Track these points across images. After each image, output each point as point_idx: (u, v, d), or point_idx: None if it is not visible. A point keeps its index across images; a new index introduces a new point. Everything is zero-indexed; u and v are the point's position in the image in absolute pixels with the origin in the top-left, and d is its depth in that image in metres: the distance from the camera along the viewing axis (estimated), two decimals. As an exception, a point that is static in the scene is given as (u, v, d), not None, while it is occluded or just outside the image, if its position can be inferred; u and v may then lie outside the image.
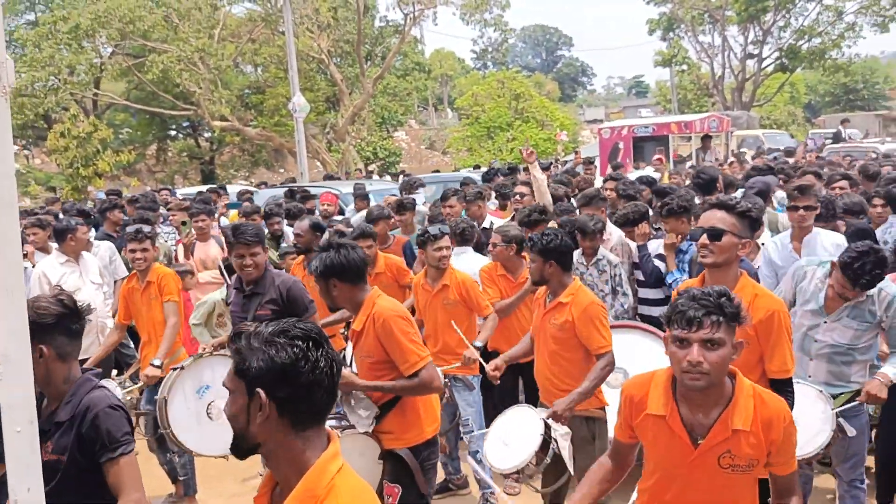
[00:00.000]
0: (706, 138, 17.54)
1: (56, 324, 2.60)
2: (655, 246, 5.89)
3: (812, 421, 3.72)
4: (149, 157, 36.06)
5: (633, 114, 46.55)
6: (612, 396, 3.97)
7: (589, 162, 15.53)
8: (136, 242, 5.37)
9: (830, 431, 3.75)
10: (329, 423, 3.70)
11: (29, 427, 1.76)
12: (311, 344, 1.78)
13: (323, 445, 1.82)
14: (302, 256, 6.34)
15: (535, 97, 33.16)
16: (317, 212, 9.12)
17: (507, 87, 32.56)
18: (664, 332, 2.60)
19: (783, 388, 3.20)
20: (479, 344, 5.05)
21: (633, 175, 12.19)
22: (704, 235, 3.29)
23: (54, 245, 6.83)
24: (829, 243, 5.14)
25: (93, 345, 5.90)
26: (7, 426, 1.75)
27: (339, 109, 29.43)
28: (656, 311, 5.45)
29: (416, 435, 3.72)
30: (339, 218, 9.35)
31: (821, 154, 16.34)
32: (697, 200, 6.58)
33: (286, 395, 1.75)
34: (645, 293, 5.93)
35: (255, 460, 4.60)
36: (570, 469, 3.88)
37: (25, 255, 7.12)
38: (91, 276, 6.58)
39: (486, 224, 7.12)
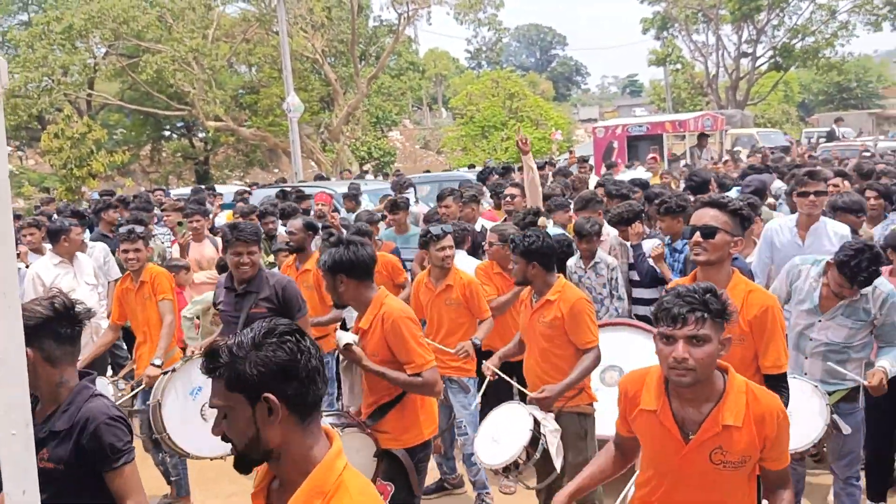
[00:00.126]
0: (703, 136, 17.57)
1: (42, 326, 2.53)
2: (649, 246, 5.90)
3: (807, 416, 3.74)
4: (143, 157, 35.97)
5: (627, 113, 46.62)
6: (608, 394, 4.00)
7: (583, 160, 15.55)
8: (129, 243, 5.37)
9: (824, 426, 3.77)
10: (328, 420, 3.73)
11: (24, 430, 1.76)
12: (297, 336, 1.80)
13: (325, 441, 1.84)
14: (294, 256, 6.35)
15: (529, 96, 33.19)
16: (311, 212, 9.13)
17: (502, 87, 32.58)
18: (657, 329, 2.61)
19: (778, 383, 3.22)
20: (475, 341, 5.07)
21: (624, 175, 12.22)
22: (697, 233, 3.31)
23: (48, 246, 6.82)
24: (835, 233, 5.08)
25: (87, 346, 5.88)
26: (2, 429, 1.74)
27: (334, 109, 29.41)
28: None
29: (414, 436, 3.74)
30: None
31: (814, 153, 16.40)
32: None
33: (293, 391, 1.76)
34: (640, 293, 5.94)
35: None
36: (556, 466, 3.91)
37: (18, 256, 7.10)
38: (85, 277, 6.56)
39: (477, 227, 7.15)
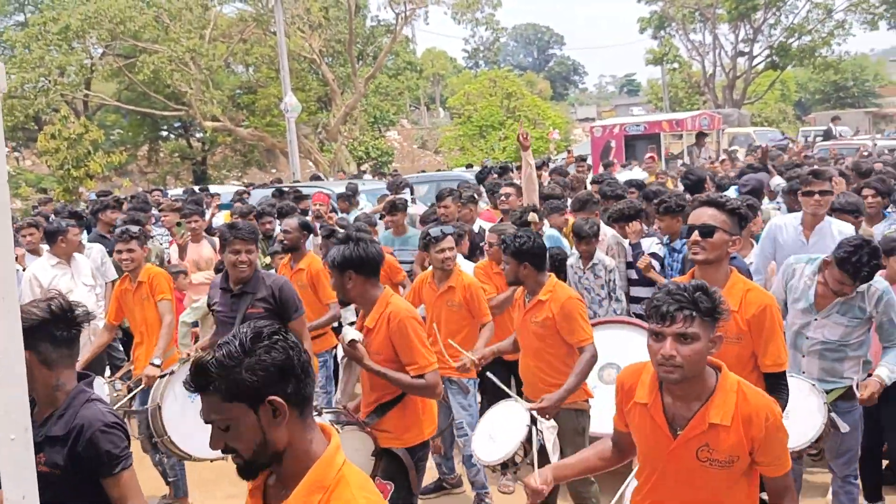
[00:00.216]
0: (701, 135, 17.59)
1: (38, 329, 2.49)
2: (647, 244, 5.91)
3: (804, 414, 3.74)
4: (140, 157, 35.92)
5: (624, 112, 46.60)
6: (606, 392, 4.00)
7: (581, 160, 15.54)
8: (123, 243, 5.37)
9: (822, 425, 3.77)
10: (328, 418, 3.73)
11: (23, 434, 1.75)
12: (283, 335, 1.82)
13: (321, 434, 1.86)
14: (289, 256, 6.33)
15: (526, 96, 33.21)
16: (309, 212, 9.12)
17: (499, 86, 32.60)
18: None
19: (777, 381, 3.23)
20: (476, 357, 5.05)
21: (621, 175, 12.22)
22: (695, 232, 3.31)
23: (45, 247, 6.81)
24: (840, 232, 5.02)
25: (84, 346, 5.87)
26: (1, 433, 1.74)
27: (331, 109, 29.40)
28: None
29: (414, 436, 3.74)
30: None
31: (810, 152, 16.40)
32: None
33: (293, 388, 1.79)
34: (638, 292, 5.95)
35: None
36: (553, 462, 3.91)
37: (15, 258, 7.09)
38: (83, 278, 6.55)
39: (475, 227, 7.14)
